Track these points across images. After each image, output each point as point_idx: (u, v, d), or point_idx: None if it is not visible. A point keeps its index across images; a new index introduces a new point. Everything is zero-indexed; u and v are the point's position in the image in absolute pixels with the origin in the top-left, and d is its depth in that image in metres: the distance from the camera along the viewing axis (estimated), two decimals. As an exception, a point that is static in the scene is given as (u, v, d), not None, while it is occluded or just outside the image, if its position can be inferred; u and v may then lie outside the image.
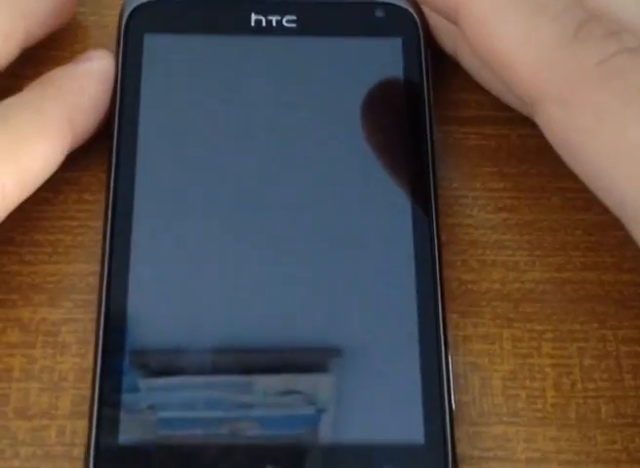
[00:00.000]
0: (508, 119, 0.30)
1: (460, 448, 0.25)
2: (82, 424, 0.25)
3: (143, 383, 0.25)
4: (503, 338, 0.27)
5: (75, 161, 0.28)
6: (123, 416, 0.24)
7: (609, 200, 0.25)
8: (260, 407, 0.24)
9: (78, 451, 0.25)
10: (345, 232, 0.27)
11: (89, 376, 0.25)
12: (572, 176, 0.29)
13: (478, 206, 0.29)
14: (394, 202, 0.27)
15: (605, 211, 0.29)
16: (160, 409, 0.24)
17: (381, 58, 0.29)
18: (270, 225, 0.27)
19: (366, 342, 0.25)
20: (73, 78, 0.28)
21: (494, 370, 0.27)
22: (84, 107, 0.27)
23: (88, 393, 0.25)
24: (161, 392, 0.25)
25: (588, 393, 0.26)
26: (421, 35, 0.29)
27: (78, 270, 0.27)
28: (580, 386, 0.27)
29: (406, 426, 0.24)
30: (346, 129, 0.28)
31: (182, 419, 0.24)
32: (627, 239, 0.29)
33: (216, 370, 0.25)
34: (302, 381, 0.25)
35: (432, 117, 0.28)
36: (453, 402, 0.25)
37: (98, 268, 0.26)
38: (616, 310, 0.28)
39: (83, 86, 0.27)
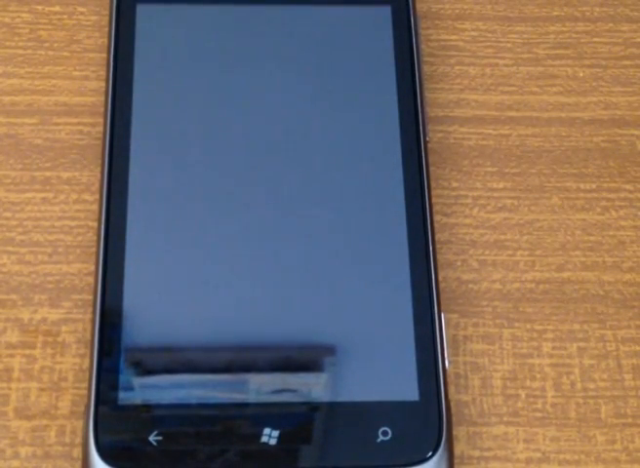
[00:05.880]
0: (508, 119, 0.30)
1: (459, 449, 0.26)
2: (82, 424, 0.25)
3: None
4: (503, 338, 0.27)
5: (75, 161, 0.29)
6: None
7: None
8: (257, 369, 0.25)
9: (78, 451, 0.25)
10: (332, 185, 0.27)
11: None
12: (572, 176, 0.29)
13: (478, 206, 0.29)
14: (385, 169, 0.27)
15: (605, 210, 0.29)
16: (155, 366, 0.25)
17: (370, 27, 0.29)
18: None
19: (362, 306, 0.26)
20: None
21: (494, 370, 0.27)
22: None
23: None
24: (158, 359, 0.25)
25: (588, 393, 0.26)
26: (411, 3, 0.29)
27: (78, 270, 0.27)
28: (579, 386, 0.27)
29: (401, 384, 0.25)
30: (333, 99, 0.28)
31: (179, 385, 0.25)
32: (627, 239, 0.29)
33: (214, 340, 0.25)
34: (300, 346, 0.25)
35: (422, 86, 0.28)
36: (446, 359, 0.25)
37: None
38: (616, 310, 0.28)
39: None
